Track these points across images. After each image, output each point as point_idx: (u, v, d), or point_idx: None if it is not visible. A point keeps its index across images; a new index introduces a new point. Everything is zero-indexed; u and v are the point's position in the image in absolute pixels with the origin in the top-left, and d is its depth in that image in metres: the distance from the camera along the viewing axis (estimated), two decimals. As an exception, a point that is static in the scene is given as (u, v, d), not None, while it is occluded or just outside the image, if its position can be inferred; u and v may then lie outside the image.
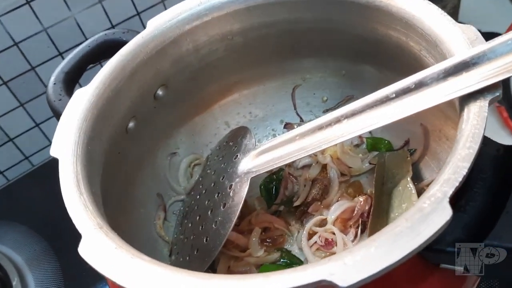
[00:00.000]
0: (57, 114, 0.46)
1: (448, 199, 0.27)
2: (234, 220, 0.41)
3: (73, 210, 0.33)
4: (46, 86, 0.74)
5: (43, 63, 0.76)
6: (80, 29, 0.77)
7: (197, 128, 0.58)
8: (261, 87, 0.58)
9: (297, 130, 0.42)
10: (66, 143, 0.38)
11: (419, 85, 0.35)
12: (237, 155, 0.46)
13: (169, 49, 0.47)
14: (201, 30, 0.48)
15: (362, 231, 0.48)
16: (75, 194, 0.34)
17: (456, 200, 0.31)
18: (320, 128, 0.40)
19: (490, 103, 0.32)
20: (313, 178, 0.52)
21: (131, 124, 0.47)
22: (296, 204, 0.50)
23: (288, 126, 0.58)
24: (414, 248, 0.26)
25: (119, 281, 0.28)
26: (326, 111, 0.57)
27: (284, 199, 0.51)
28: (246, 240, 0.49)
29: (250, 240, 0.48)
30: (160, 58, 0.47)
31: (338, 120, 0.39)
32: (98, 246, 0.31)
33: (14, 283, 0.64)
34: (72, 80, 0.48)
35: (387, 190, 0.48)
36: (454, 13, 0.80)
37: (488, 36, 0.39)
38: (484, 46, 0.33)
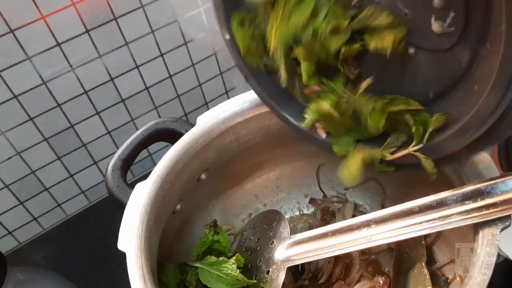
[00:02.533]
0: (115, 199, 0.51)
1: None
2: (272, 304, 0.47)
3: (143, 305, 0.38)
4: (82, 141, 0.81)
5: (81, 121, 0.82)
6: (117, 90, 0.83)
7: (229, 201, 0.63)
8: (288, 164, 0.64)
9: (330, 227, 0.47)
10: (131, 237, 0.44)
11: (440, 204, 0.41)
12: (273, 241, 0.52)
13: (214, 142, 0.53)
14: (242, 125, 0.54)
15: (382, 310, 0.54)
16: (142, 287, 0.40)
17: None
18: (351, 229, 0.46)
19: (501, 230, 0.38)
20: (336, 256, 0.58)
21: (178, 207, 0.53)
22: (321, 281, 0.56)
23: (312, 201, 0.64)
24: None
25: None
26: (347, 189, 0.62)
27: (310, 274, 0.57)
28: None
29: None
30: (206, 150, 0.53)
31: (367, 225, 0.45)
32: None
33: (52, 333, 0.69)
34: (127, 165, 0.54)
35: (404, 270, 0.54)
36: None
37: None
38: (498, 179, 0.39)
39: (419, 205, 0.42)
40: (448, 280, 0.53)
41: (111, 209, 0.88)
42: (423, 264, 0.54)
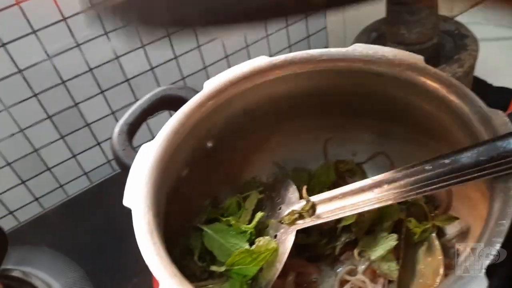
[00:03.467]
0: (120, 163, 0.51)
1: (484, 271, 0.32)
2: (280, 267, 0.46)
3: (149, 259, 0.38)
4: (86, 120, 0.80)
5: (86, 100, 0.82)
6: (122, 69, 0.82)
7: (232, 174, 0.62)
8: (295, 138, 0.63)
9: (340, 190, 0.47)
10: (137, 194, 0.43)
11: (454, 162, 0.40)
12: (281, 207, 0.51)
13: (222, 108, 0.52)
14: (251, 92, 0.54)
15: (390, 282, 0.52)
16: (150, 243, 0.39)
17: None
18: (363, 190, 0.45)
19: (517, 184, 0.37)
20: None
21: (184, 173, 0.52)
22: (328, 252, 0.55)
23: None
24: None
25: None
26: (357, 164, 0.61)
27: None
28: (281, 283, 0.53)
29: (286, 283, 0.53)
30: (214, 116, 0.52)
31: (379, 185, 0.44)
32: (175, 294, 0.35)
33: (52, 309, 0.68)
34: (133, 130, 0.53)
35: (413, 243, 0.53)
36: (470, 71, 0.86)
37: (500, 90, 0.44)
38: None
39: (433, 163, 0.41)
40: (458, 252, 0.52)
41: (113, 191, 0.87)
42: (434, 235, 0.53)
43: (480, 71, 0.90)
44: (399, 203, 0.56)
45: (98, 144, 0.87)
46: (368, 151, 0.62)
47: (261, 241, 0.47)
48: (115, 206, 0.84)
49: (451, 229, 0.54)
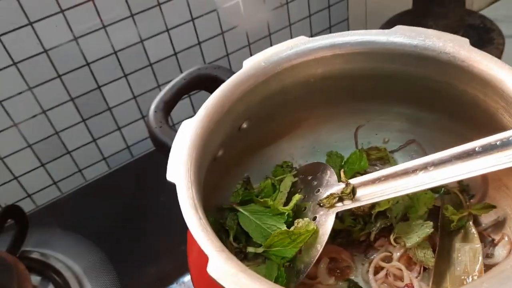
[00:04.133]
0: (156, 140, 0.50)
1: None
2: (321, 249, 0.45)
3: (196, 233, 0.37)
4: (108, 104, 0.80)
5: (108, 83, 0.81)
6: (146, 53, 0.82)
7: (264, 158, 0.61)
8: (327, 124, 0.62)
9: (383, 172, 0.46)
10: (180, 170, 0.42)
11: (506, 144, 0.39)
12: (319, 189, 0.50)
13: (260, 88, 0.52)
14: (288, 72, 0.53)
15: (424, 269, 0.52)
16: (195, 218, 0.38)
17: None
18: (407, 172, 0.44)
19: None
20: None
21: (220, 153, 0.51)
22: (362, 239, 0.54)
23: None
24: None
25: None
26: (391, 152, 0.61)
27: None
28: (314, 268, 0.52)
29: (318, 269, 0.52)
30: (251, 96, 0.51)
31: (425, 167, 0.43)
32: (225, 268, 0.34)
33: (73, 290, 0.67)
34: (169, 108, 0.52)
35: (449, 232, 0.52)
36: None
37: None
38: None
39: (482, 145, 0.40)
40: (495, 241, 0.52)
41: (131, 177, 0.87)
42: (471, 223, 0.52)
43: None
44: (433, 191, 0.55)
45: (119, 129, 0.87)
46: (400, 139, 0.62)
47: (300, 222, 0.46)
48: (133, 192, 0.84)
49: (487, 219, 0.54)
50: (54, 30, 0.71)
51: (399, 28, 0.50)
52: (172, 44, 0.83)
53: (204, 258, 0.35)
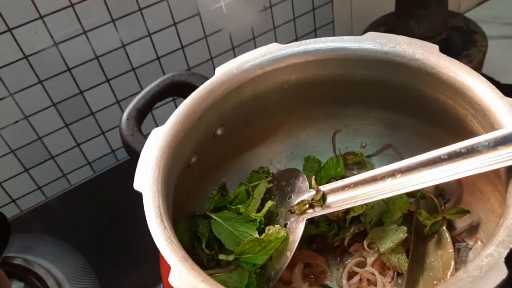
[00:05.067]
0: (128, 148, 0.50)
1: (503, 259, 0.32)
2: (290, 256, 0.45)
3: (160, 243, 0.37)
4: (91, 109, 0.80)
5: (91, 88, 0.81)
6: (128, 58, 0.82)
7: (242, 164, 0.62)
8: (304, 129, 0.63)
9: (352, 179, 0.46)
10: (147, 179, 0.42)
11: (471, 151, 0.39)
12: (291, 196, 0.50)
13: (232, 94, 0.52)
14: (261, 79, 0.53)
15: (398, 274, 0.52)
16: (160, 227, 0.38)
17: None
18: (375, 179, 0.44)
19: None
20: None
21: (193, 160, 0.52)
22: (336, 244, 0.54)
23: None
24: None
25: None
26: (368, 157, 0.61)
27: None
28: (289, 274, 0.52)
29: (293, 274, 0.52)
30: (224, 103, 0.51)
31: (392, 175, 0.43)
32: (186, 278, 0.34)
33: (55, 297, 0.67)
34: (142, 116, 0.52)
35: (423, 237, 0.52)
36: (478, 67, 0.86)
37: (507, 88, 0.44)
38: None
39: (448, 152, 0.41)
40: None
41: (116, 181, 0.87)
42: (444, 228, 0.52)
43: (488, 68, 0.89)
44: (408, 195, 0.55)
45: (103, 133, 0.87)
46: (377, 144, 0.62)
47: (271, 229, 0.46)
48: (118, 196, 0.84)
49: (461, 223, 0.54)
50: (34, 36, 0.71)
51: (370, 34, 0.51)
52: (155, 49, 0.83)
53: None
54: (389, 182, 0.43)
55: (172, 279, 0.34)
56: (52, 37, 0.73)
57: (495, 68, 0.94)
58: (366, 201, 0.44)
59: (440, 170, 0.41)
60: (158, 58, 0.84)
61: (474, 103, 0.44)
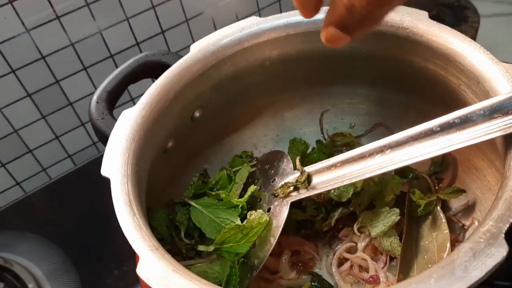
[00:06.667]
0: (99, 132, 0.47)
1: (503, 235, 0.29)
2: (274, 242, 0.42)
3: (128, 231, 0.34)
4: (68, 99, 0.76)
5: (67, 76, 0.77)
6: (106, 44, 0.78)
7: (225, 149, 0.58)
8: (290, 110, 0.59)
9: (338, 158, 0.43)
10: (116, 163, 0.39)
11: (464, 121, 0.36)
12: (275, 179, 0.47)
13: (210, 73, 0.48)
14: (241, 56, 0.50)
15: (391, 258, 0.49)
16: (129, 215, 0.35)
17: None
18: (363, 157, 0.41)
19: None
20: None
21: (170, 144, 0.48)
22: (325, 229, 0.51)
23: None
24: (474, 282, 0.27)
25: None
26: (357, 137, 0.57)
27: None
28: (276, 262, 0.49)
29: (280, 262, 0.49)
30: (201, 82, 0.48)
31: (381, 151, 0.40)
32: (156, 268, 0.31)
33: (33, 295, 0.64)
34: (114, 98, 0.49)
35: (417, 217, 0.49)
36: (471, 44, 0.82)
37: None
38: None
39: (440, 124, 0.38)
40: (465, 227, 0.49)
41: (98, 174, 0.83)
42: (438, 208, 0.49)
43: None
44: (401, 176, 0.52)
45: (82, 124, 0.83)
46: (366, 124, 0.59)
47: (252, 215, 0.43)
48: (101, 190, 0.80)
49: (456, 203, 0.51)
50: (3, 22, 0.67)
51: (355, 3, 0.47)
52: (134, 34, 0.79)
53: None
54: (378, 158, 0.40)
55: (140, 269, 0.31)
56: (23, 23, 0.69)
57: (488, 47, 0.91)
58: (354, 180, 0.41)
59: (433, 143, 0.37)
60: (137, 43, 0.81)
61: (467, 71, 0.41)
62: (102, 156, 0.84)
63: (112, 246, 0.71)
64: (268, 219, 0.42)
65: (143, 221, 0.35)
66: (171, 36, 0.83)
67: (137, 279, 0.65)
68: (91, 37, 0.76)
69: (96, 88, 0.79)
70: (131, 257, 0.67)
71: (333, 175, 0.43)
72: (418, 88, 0.50)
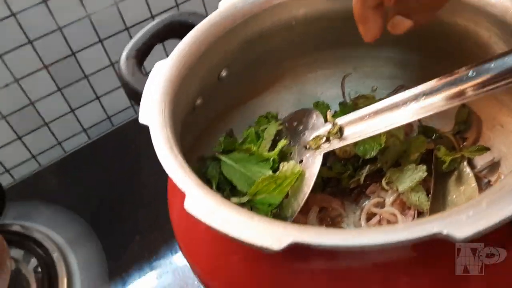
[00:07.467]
0: (128, 89, 0.47)
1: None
2: (308, 192, 0.42)
3: (172, 170, 0.34)
4: (84, 72, 0.76)
5: (83, 49, 0.77)
6: (122, 17, 0.78)
7: (247, 112, 0.58)
8: (312, 74, 0.60)
9: (370, 108, 0.43)
10: (153, 111, 0.39)
11: (501, 65, 0.37)
12: (305, 132, 0.47)
13: (237, 31, 0.49)
14: (268, 14, 0.50)
15: (419, 213, 0.49)
16: (171, 156, 0.35)
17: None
18: (396, 106, 0.41)
19: None
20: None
21: (198, 102, 0.49)
22: (353, 186, 0.51)
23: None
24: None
25: (232, 234, 0.29)
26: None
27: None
28: (304, 219, 0.50)
29: (308, 218, 0.50)
30: (228, 40, 0.48)
31: (415, 99, 0.40)
32: (203, 202, 0.31)
33: (56, 262, 0.64)
34: (142, 56, 0.49)
35: (443, 173, 0.50)
36: None
37: None
38: None
39: (477, 69, 0.38)
40: (491, 182, 0.49)
41: (112, 148, 0.83)
42: (464, 163, 0.50)
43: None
44: (425, 135, 0.53)
45: (98, 98, 0.83)
46: (389, 86, 0.59)
47: (285, 166, 0.44)
48: (115, 163, 0.80)
49: (481, 161, 0.51)
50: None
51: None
52: (149, 6, 0.79)
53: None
54: (412, 106, 0.40)
55: (188, 205, 0.31)
56: (40, -6, 0.69)
57: None
58: (387, 129, 0.41)
59: (469, 86, 0.38)
60: (152, 16, 0.81)
61: (499, 21, 0.41)
62: (115, 130, 0.85)
63: (129, 215, 0.72)
64: (301, 169, 0.43)
65: (184, 162, 0.35)
66: (186, 10, 0.83)
67: (158, 247, 0.65)
68: (108, 8, 0.76)
69: (111, 62, 0.80)
70: (149, 226, 0.68)
71: (365, 125, 0.43)
72: (444, 47, 0.50)
